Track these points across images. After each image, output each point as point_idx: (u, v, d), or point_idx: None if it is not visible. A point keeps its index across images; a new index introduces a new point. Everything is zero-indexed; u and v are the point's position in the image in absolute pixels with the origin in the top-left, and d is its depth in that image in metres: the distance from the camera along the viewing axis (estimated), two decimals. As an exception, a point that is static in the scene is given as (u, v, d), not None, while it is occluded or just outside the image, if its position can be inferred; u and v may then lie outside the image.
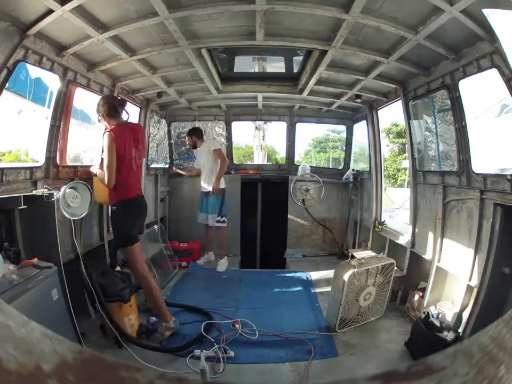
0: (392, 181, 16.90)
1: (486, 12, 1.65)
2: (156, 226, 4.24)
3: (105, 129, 2.42)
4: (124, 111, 2.51)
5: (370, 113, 4.32)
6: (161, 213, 4.89)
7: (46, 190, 2.19)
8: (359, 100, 4.01)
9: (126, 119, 2.55)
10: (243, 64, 3.76)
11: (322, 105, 4.71)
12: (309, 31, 2.50)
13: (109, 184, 2.38)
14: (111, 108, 2.44)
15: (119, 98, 2.60)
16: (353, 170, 4.90)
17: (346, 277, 2.56)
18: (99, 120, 2.51)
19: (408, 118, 3.40)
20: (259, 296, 3.46)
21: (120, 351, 2.35)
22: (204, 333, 2.57)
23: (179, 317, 2.82)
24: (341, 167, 5.47)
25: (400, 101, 3.48)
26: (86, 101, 3.24)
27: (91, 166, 2.83)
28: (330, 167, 15.20)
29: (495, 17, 1.67)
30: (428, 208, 3.15)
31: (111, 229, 3.25)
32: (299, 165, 5.16)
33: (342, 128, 5.68)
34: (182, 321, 2.73)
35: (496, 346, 0.28)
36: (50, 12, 1.93)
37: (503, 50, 1.92)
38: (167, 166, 5.16)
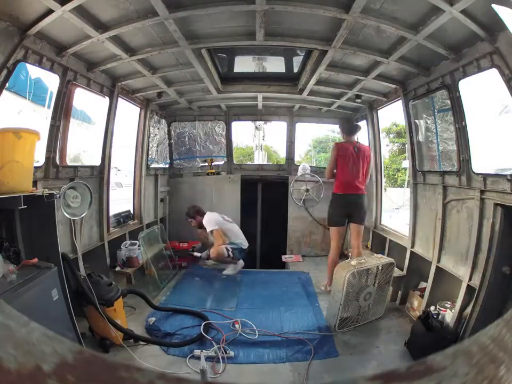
0: (392, 181, 16.88)
1: (495, 7, 1.64)
2: (155, 226, 4.24)
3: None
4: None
5: (370, 113, 4.32)
6: (161, 213, 4.89)
7: (46, 190, 2.19)
8: (359, 100, 4.01)
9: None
10: (243, 64, 3.75)
11: (322, 105, 4.71)
12: (309, 31, 2.50)
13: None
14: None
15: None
16: (353, 170, 4.89)
17: (346, 277, 2.56)
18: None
19: (408, 118, 3.40)
20: (259, 296, 3.46)
21: (121, 351, 2.34)
22: (203, 333, 2.56)
23: (176, 320, 2.82)
24: (341, 167, 5.46)
25: (400, 101, 3.49)
26: (86, 101, 3.25)
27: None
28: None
29: (505, 12, 1.66)
30: (427, 208, 3.15)
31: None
32: (299, 165, 5.17)
33: (342, 128, 5.67)
34: (180, 324, 2.74)
35: (496, 346, 0.28)
36: (50, 12, 1.93)
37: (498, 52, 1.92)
38: (167, 166, 5.16)
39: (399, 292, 3.24)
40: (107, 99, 3.32)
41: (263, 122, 5.85)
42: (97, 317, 2.33)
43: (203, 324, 2.68)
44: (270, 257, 5.18)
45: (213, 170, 5.19)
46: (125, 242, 3.68)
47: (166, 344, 2.46)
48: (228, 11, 2.17)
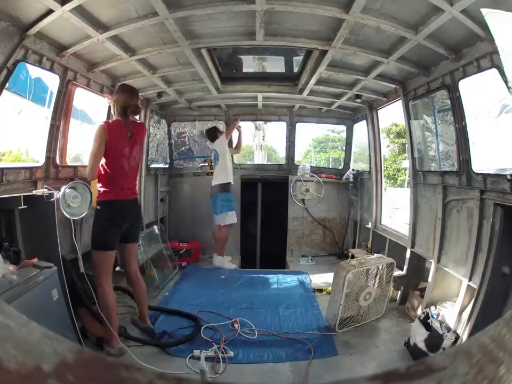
0: (392, 181, 16.88)
1: (484, 11, 1.64)
2: (155, 226, 4.24)
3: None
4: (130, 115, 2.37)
5: (370, 113, 4.32)
6: (161, 213, 4.89)
7: (46, 190, 2.19)
8: (359, 100, 4.01)
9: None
10: (243, 64, 3.76)
11: (322, 105, 4.70)
12: (309, 31, 2.50)
13: (88, 176, 2.28)
14: (122, 107, 2.32)
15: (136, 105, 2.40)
16: (353, 170, 4.91)
17: (346, 277, 2.56)
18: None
19: (408, 118, 3.40)
20: (258, 296, 3.46)
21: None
22: (202, 335, 2.56)
23: (173, 320, 2.81)
24: (341, 167, 5.47)
25: (400, 101, 3.48)
26: (86, 101, 3.25)
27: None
28: (330, 167, 15.22)
29: (493, 17, 1.66)
30: (427, 208, 3.15)
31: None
32: (299, 165, 5.17)
33: (342, 128, 5.68)
34: (177, 324, 2.72)
35: (496, 346, 0.28)
36: (50, 11, 1.93)
37: (498, 52, 1.92)
38: (167, 166, 5.16)
39: (399, 291, 3.24)
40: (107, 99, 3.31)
41: (263, 122, 5.85)
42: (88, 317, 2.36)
43: (203, 327, 2.67)
44: (270, 257, 5.19)
45: (213, 170, 5.19)
46: (125, 242, 3.67)
47: (161, 345, 2.44)
48: (228, 11, 2.17)
